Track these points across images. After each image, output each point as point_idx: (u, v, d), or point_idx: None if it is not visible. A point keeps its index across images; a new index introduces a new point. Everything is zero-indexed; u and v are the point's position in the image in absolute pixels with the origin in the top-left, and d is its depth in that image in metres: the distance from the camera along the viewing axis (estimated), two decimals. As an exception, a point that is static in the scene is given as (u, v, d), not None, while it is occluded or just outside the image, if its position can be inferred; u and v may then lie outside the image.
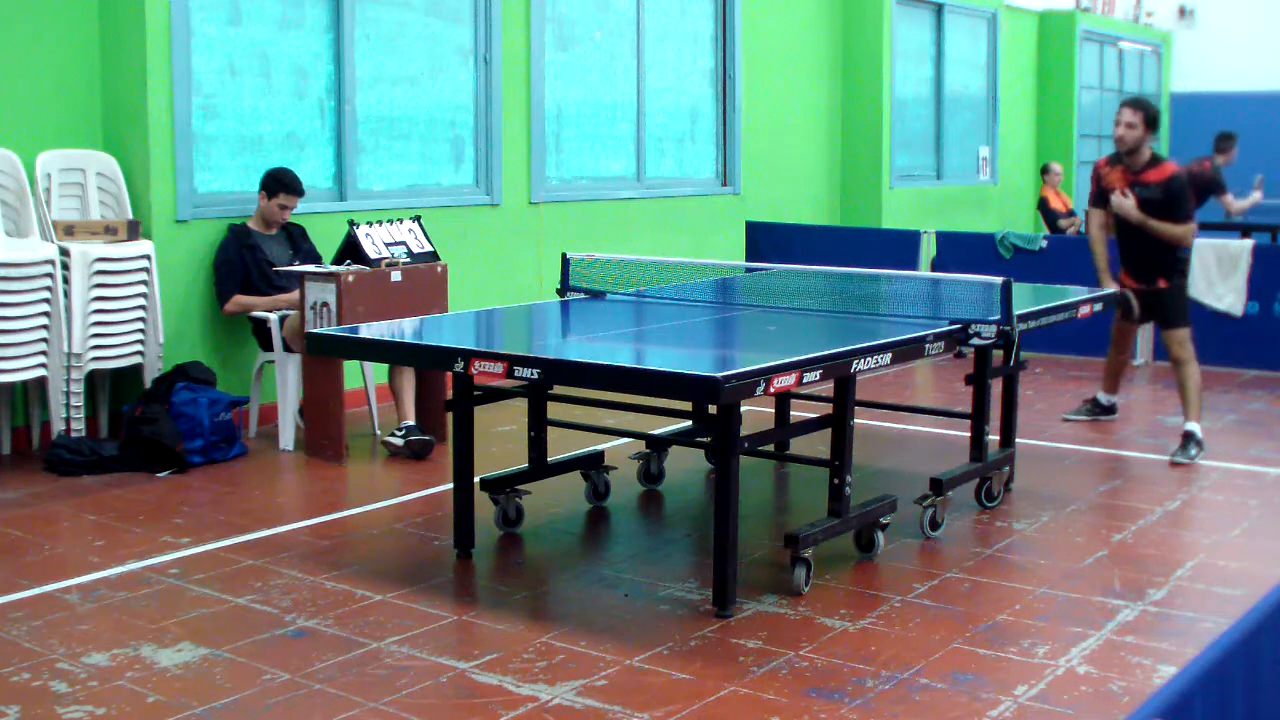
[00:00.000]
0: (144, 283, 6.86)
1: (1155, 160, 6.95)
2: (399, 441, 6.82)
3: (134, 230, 6.88)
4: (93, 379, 6.94)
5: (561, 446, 6.08)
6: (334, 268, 6.83)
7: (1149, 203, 6.90)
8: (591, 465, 6.01)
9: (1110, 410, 7.75)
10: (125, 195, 7.01)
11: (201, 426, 6.57)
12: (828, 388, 5.14)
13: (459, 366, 4.69)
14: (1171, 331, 7.00)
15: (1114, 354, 7.60)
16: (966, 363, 5.90)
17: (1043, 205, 13.91)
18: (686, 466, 6.59)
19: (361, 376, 7.59)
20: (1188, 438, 6.83)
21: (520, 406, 5.94)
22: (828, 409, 5.18)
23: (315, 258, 7.39)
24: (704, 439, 6.15)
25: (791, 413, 6.75)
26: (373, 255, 6.89)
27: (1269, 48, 18.16)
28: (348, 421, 6.96)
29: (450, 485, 5.45)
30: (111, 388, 7.11)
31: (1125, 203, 6.93)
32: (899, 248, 10.33)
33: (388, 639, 4.34)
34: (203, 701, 3.85)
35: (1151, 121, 6.88)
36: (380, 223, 7.14)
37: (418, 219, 7.36)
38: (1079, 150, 16.53)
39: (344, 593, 4.79)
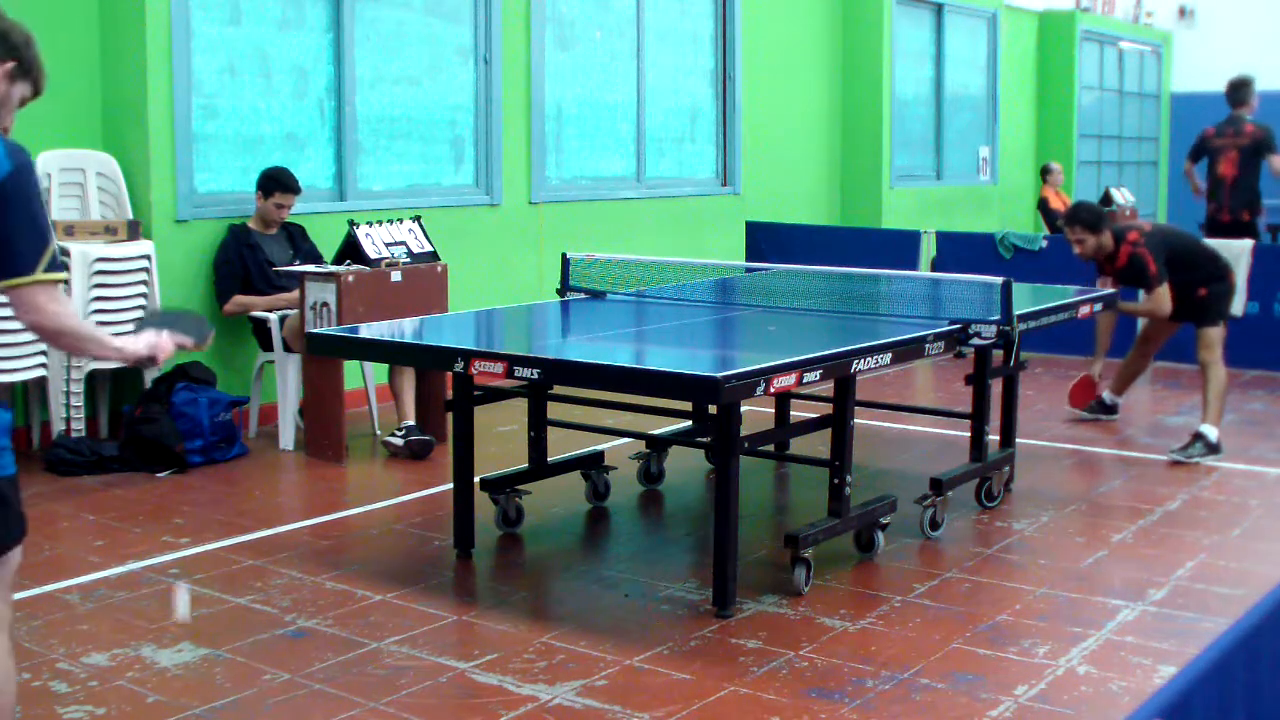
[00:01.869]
0: (144, 283, 6.86)
1: (1117, 247, 7.01)
2: (399, 442, 6.82)
3: (134, 230, 6.88)
4: (93, 379, 6.94)
5: (561, 446, 6.08)
6: (334, 268, 6.83)
7: (1130, 281, 7.03)
8: (591, 465, 6.00)
9: (1112, 410, 7.74)
10: (125, 195, 7.02)
11: (201, 426, 6.57)
12: (828, 388, 5.14)
13: (459, 366, 4.69)
14: (1202, 330, 6.98)
15: (1134, 356, 7.61)
16: (966, 363, 5.90)
17: (1043, 205, 13.92)
18: (686, 466, 6.59)
19: (361, 376, 7.59)
20: (1196, 438, 6.81)
21: (520, 406, 5.94)
22: (828, 409, 5.18)
23: (315, 257, 7.39)
24: (704, 439, 6.15)
25: (791, 413, 6.76)
26: (373, 255, 6.89)
27: (1269, 48, 18.13)
28: (348, 421, 6.96)
29: (450, 485, 5.45)
30: (111, 388, 7.11)
31: (1127, 306, 7.09)
32: (899, 248, 10.33)
33: (388, 639, 4.34)
34: (203, 701, 3.85)
35: (1094, 225, 6.97)
36: (380, 223, 7.14)
37: (418, 219, 7.36)
38: (1079, 150, 16.53)
39: (344, 593, 4.79)
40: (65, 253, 6.59)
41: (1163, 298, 6.88)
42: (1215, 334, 6.96)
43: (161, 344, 3.16)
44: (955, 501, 5.76)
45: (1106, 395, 7.74)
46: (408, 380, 7.02)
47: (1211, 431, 6.80)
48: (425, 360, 5.95)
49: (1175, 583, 4.94)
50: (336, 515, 5.86)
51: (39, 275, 2.82)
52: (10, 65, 3.14)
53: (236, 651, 4.24)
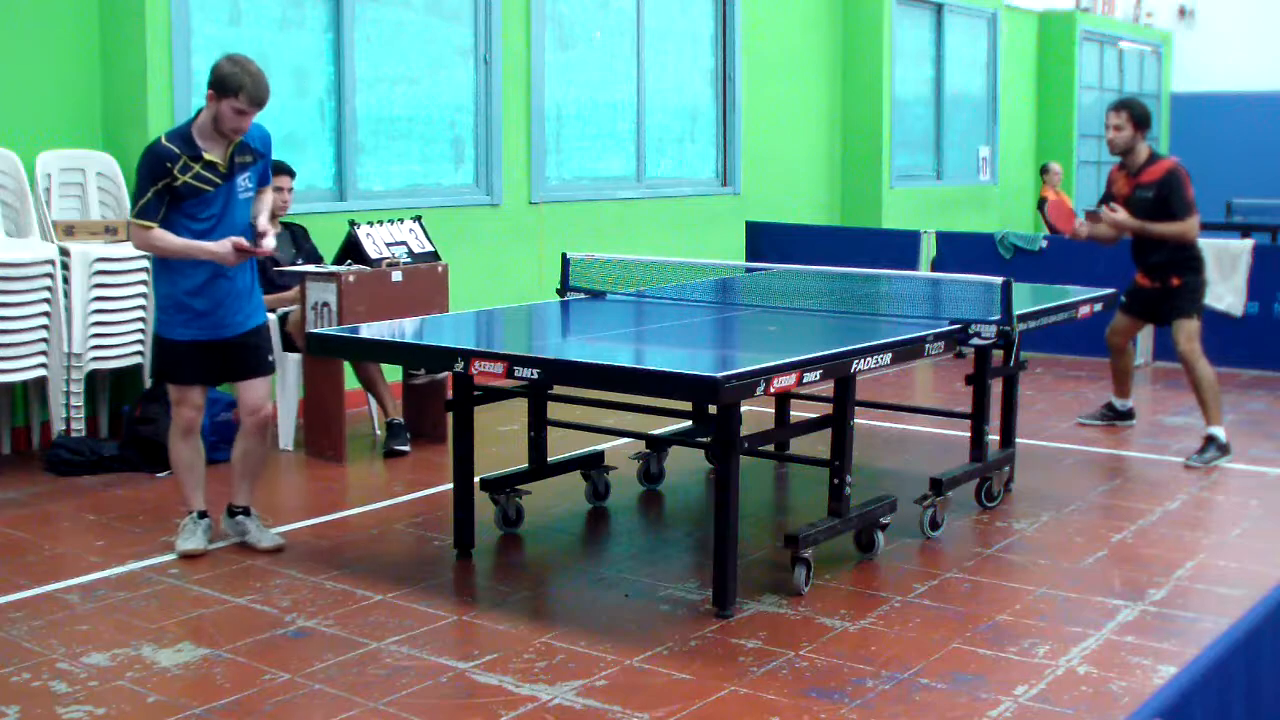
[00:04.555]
0: (144, 283, 6.86)
1: (1152, 159, 6.93)
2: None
3: (134, 230, 6.87)
4: (93, 379, 6.94)
5: (561, 446, 6.08)
6: (335, 268, 6.83)
7: (1147, 203, 6.86)
8: (591, 465, 6.01)
9: (1127, 416, 7.67)
10: (125, 195, 7.01)
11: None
12: (828, 388, 5.14)
13: (459, 366, 4.69)
14: (1180, 321, 6.85)
15: (1114, 359, 7.56)
16: (966, 363, 5.90)
17: (1043, 205, 13.91)
18: (686, 466, 6.59)
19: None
20: (1209, 441, 6.77)
21: (520, 406, 5.94)
22: (828, 409, 5.18)
23: (316, 257, 7.38)
24: (704, 439, 6.15)
25: (791, 413, 6.75)
26: (373, 255, 6.89)
27: (1269, 48, 18.16)
28: (348, 421, 6.96)
29: (450, 485, 5.45)
30: (111, 388, 7.11)
31: (1115, 215, 6.88)
32: (899, 248, 10.33)
33: (388, 639, 4.34)
34: (203, 701, 3.85)
35: (1140, 120, 6.86)
36: (381, 223, 7.14)
37: (418, 219, 7.36)
38: (1079, 150, 16.54)
39: (344, 593, 4.79)
40: (66, 253, 6.59)
41: (1194, 226, 6.79)
42: (1194, 326, 6.85)
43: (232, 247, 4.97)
44: (955, 501, 5.76)
45: (1117, 402, 7.68)
46: (379, 374, 7.08)
47: (1220, 432, 6.78)
48: (425, 360, 5.95)
49: (1175, 583, 4.94)
50: (336, 515, 5.86)
51: (130, 218, 4.99)
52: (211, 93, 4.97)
53: (236, 651, 4.24)
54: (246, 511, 5.34)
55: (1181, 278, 6.93)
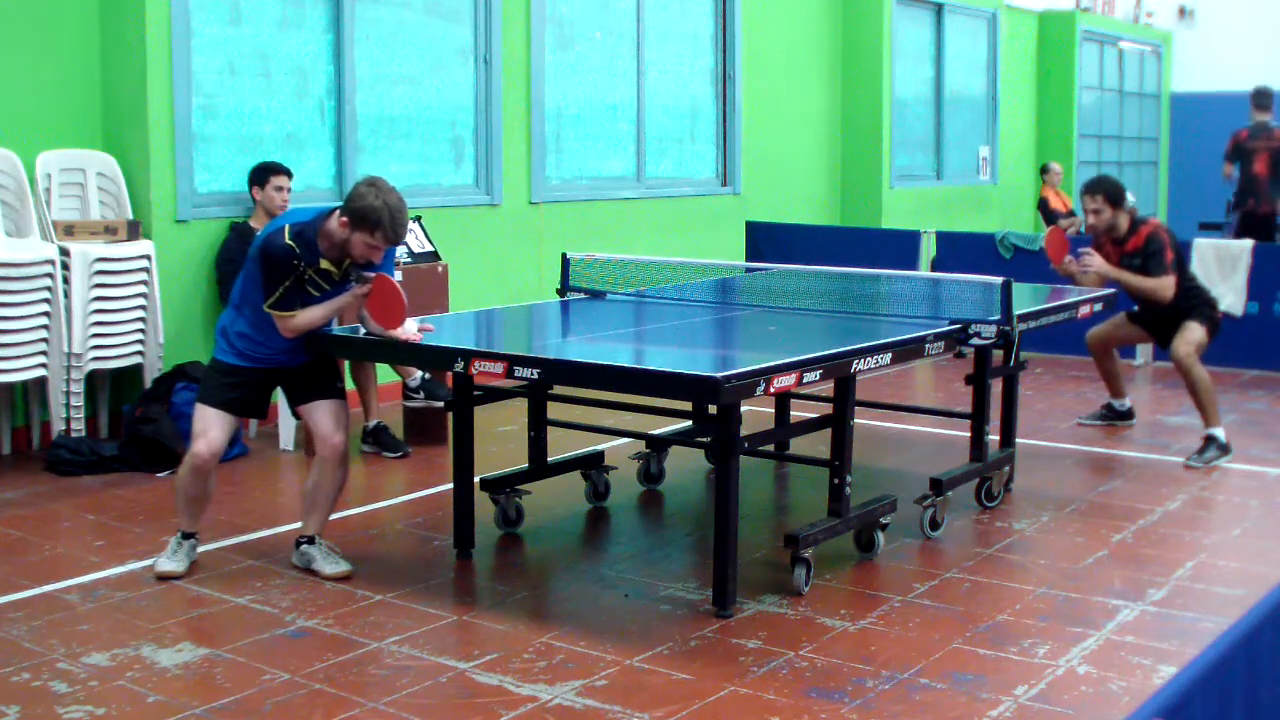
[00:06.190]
0: (144, 283, 6.86)
1: (1134, 227, 6.96)
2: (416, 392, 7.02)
3: (134, 230, 6.88)
4: (93, 379, 6.94)
5: (561, 446, 6.08)
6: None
7: (1137, 270, 6.89)
8: (591, 465, 6.01)
9: (1127, 415, 7.67)
10: (125, 195, 7.02)
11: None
12: (828, 388, 5.14)
13: (459, 366, 4.69)
14: (1191, 324, 6.87)
15: (1097, 362, 7.55)
16: (966, 363, 5.90)
17: (1043, 205, 13.92)
18: (686, 466, 6.59)
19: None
20: (1209, 441, 6.77)
21: (520, 406, 5.94)
22: (828, 409, 5.18)
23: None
24: (704, 439, 6.15)
25: (791, 413, 6.75)
26: (373, 255, 6.88)
27: (1269, 48, 18.14)
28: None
29: (450, 485, 5.45)
30: (111, 388, 7.11)
31: (1094, 259, 6.85)
32: (899, 248, 10.33)
33: (388, 639, 4.35)
34: (203, 701, 3.85)
35: (1114, 199, 6.92)
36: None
37: (418, 219, 7.36)
38: (1079, 150, 16.53)
39: (344, 593, 4.79)
40: (66, 253, 6.60)
41: (1169, 285, 6.82)
42: (1201, 336, 6.86)
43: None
44: (955, 501, 5.76)
45: (1115, 402, 7.68)
46: (371, 378, 7.07)
47: (1220, 432, 6.79)
48: (425, 360, 5.95)
49: (1175, 583, 4.94)
50: (337, 515, 5.84)
51: (267, 308, 4.84)
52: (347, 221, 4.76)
53: (236, 651, 4.24)
54: (312, 540, 5.05)
55: (1196, 312, 6.96)
